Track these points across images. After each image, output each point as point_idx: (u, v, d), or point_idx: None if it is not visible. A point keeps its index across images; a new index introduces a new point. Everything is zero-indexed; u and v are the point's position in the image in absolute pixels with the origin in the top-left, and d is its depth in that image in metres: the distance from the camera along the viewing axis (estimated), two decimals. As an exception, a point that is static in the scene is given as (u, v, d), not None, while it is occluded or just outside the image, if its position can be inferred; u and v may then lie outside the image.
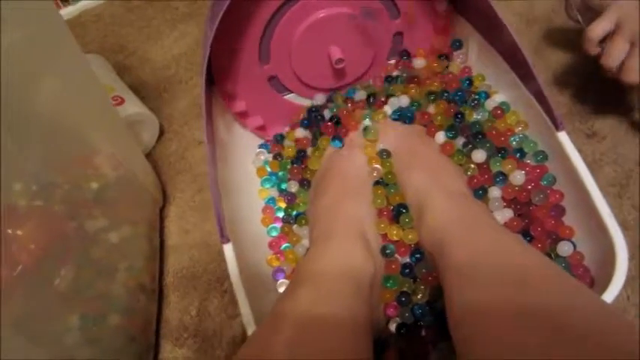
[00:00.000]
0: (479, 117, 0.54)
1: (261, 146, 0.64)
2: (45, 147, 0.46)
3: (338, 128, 0.57)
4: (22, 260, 0.40)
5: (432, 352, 0.45)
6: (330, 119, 0.58)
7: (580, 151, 0.46)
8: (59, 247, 0.46)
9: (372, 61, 0.62)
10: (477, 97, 0.55)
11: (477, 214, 0.44)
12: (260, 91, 0.60)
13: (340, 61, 0.57)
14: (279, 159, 0.61)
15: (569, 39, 0.76)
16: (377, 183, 0.52)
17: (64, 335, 0.44)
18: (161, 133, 0.81)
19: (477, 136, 0.52)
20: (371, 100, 0.59)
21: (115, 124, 0.62)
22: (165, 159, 0.78)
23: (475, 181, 0.50)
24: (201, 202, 0.71)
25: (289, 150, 0.60)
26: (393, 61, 0.64)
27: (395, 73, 0.62)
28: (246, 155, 0.63)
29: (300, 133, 0.61)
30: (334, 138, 0.57)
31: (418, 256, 0.48)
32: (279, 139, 0.63)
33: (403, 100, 0.57)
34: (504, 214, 0.48)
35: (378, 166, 0.53)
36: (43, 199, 0.45)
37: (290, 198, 0.57)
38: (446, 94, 0.56)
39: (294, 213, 0.56)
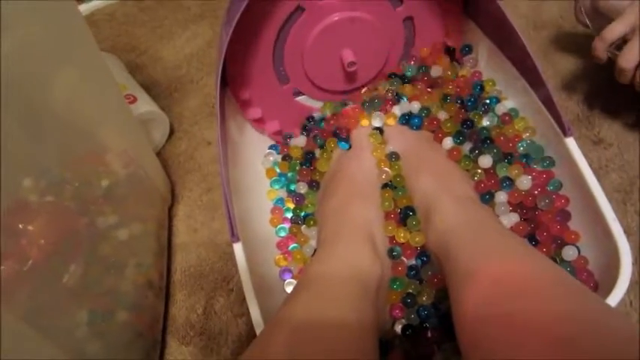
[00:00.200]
0: (488, 122, 0.55)
1: (270, 147, 0.65)
2: (58, 142, 0.47)
3: (340, 131, 0.58)
4: (32, 255, 0.40)
5: (437, 353, 0.45)
6: (334, 134, 0.59)
7: (586, 157, 0.47)
8: (69, 243, 0.46)
9: (384, 64, 0.62)
10: (487, 102, 0.56)
11: (483, 218, 0.45)
12: (274, 96, 0.61)
13: (352, 64, 0.57)
14: (289, 160, 0.61)
15: (577, 44, 0.76)
16: (385, 186, 0.53)
17: (73, 330, 0.44)
18: (171, 132, 0.81)
19: (485, 141, 0.52)
20: (376, 101, 0.59)
21: (128, 121, 0.63)
22: (175, 158, 0.78)
23: (482, 185, 0.50)
24: (210, 201, 0.72)
25: (296, 151, 0.61)
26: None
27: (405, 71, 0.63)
28: (257, 156, 0.63)
29: (301, 140, 0.62)
30: (340, 140, 0.58)
31: (424, 258, 0.49)
32: (289, 138, 0.64)
33: (414, 106, 0.57)
34: (510, 219, 0.49)
35: (387, 168, 0.53)
36: (54, 194, 0.46)
37: (298, 199, 0.58)
38: (459, 100, 0.56)
39: (303, 214, 0.57)
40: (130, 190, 0.61)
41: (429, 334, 0.46)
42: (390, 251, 0.48)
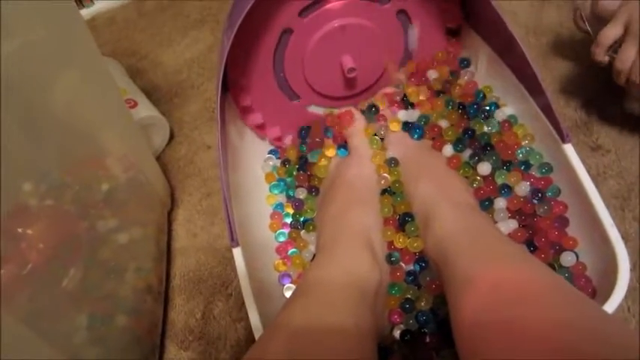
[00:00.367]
0: (488, 128, 0.55)
1: (270, 152, 0.65)
2: (58, 146, 0.47)
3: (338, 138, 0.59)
4: (31, 259, 0.41)
5: (436, 359, 0.45)
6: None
7: (584, 163, 0.47)
8: (68, 247, 0.46)
9: (384, 70, 0.62)
10: (487, 108, 0.56)
11: (482, 225, 0.45)
12: (274, 102, 0.61)
13: (352, 70, 0.58)
14: (287, 165, 0.62)
15: (576, 51, 0.76)
16: (384, 192, 0.53)
17: (73, 334, 0.44)
18: (171, 136, 0.82)
19: (484, 148, 0.53)
20: (373, 110, 0.59)
21: (128, 126, 0.63)
22: (175, 162, 0.79)
23: (481, 192, 0.50)
24: (209, 206, 0.72)
25: (292, 152, 0.62)
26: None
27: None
28: (256, 161, 0.64)
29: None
30: (339, 147, 0.58)
31: (423, 264, 0.49)
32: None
33: (414, 114, 0.57)
34: (509, 225, 0.49)
35: (386, 174, 0.54)
36: (54, 198, 0.46)
37: (298, 204, 0.58)
38: (461, 106, 0.56)
39: (302, 219, 0.57)
40: (129, 195, 0.61)
41: (428, 340, 0.46)
42: (389, 257, 0.49)
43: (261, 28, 0.54)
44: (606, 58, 0.58)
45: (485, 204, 0.50)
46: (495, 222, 0.50)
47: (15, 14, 0.40)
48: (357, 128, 0.58)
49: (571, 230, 0.48)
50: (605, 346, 0.28)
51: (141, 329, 0.56)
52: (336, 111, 0.62)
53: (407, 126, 0.57)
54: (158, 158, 0.79)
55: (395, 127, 0.57)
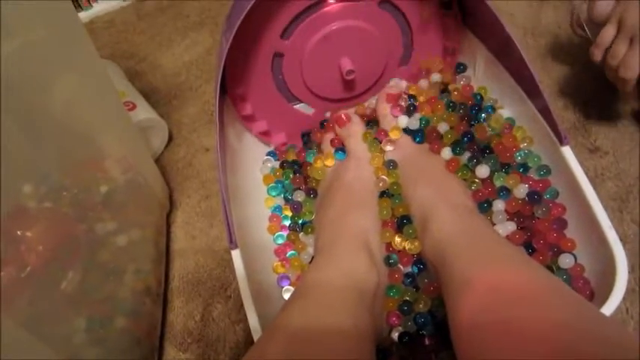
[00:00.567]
0: (489, 130, 0.55)
1: (268, 154, 0.65)
2: (57, 148, 0.47)
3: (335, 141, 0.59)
4: (30, 261, 0.41)
5: (434, 360, 0.45)
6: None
7: (582, 165, 0.47)
8: (67, 250, 0.46)
9: (382, 72, 0.63)
10: (486, 111, 0.56)
11: (480, 227, 0.45)
12: (270, 100, 0.61)
13: (351, 72, 0.58)
14: (285, 167, 0.62)
15: (573, 53, 0.76)
16: (382, 194, 0.53)
17: (71, 336, 0.44)
18: (170, 139, 0.82)
19: (484, 151, 0.53)
20: (370, 124, 0.60)
21: (127, 128, 0.63)
22: (174, 165, 0.79)
23: (480, 194, 0.50)
24: (208, 208, 0.72)
25: (290, 155, 0.62)
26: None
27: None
28: (255, 163, 0.64)
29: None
30: (337, 150, 0.58)
31: (421, 266, 0.49)
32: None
33: (416, 121, 0.57)
34: (507, 227, 0.49)
35: (384, 177, 0.54)
36: (53, 201, 0.46)
37: (296, 207, 0.58)
38: (461, 107, 0.56)
39: (301, 221, 0.57)
40: (128, 197, 0.61)
41: (426, 342, 0.46)
42: (387, 259, 0.49)
43: (260, 30, 0.54)
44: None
45: (484, 206, 0.50)
46: (494, 224, 0.50)
47: (13, 16, 0.40)
48: (355, 131, 0.58)
49: (569, 232, 0.48)
50: (603, 346, 0.29)
51: (140, 331, 0.56)
52: (328, 114, 0.63)
53: (408, 130, 0.57)
54: (157, 160, 0.79)
55: (395, 134, 0.57)
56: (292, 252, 0.56)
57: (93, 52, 0.54)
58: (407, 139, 0.57)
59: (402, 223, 0.50)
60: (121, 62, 0.94)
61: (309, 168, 0.59)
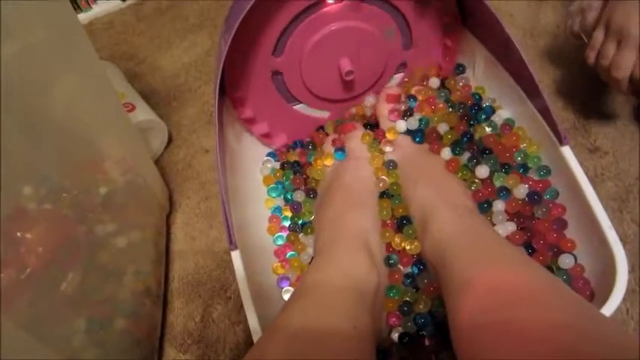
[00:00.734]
0: (489, 130, 0.55)
1: (268, 154, 0.65)
2: (57, 150, 0.47)
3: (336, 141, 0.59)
4: (30, 263, 0.41)
5: (434, 361, 0.45)
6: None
7: (582, 165, 0.47)
8: (67, 251, 0.46)
9: (381, 73, 0.63)
10: (485, 112, 0.56)
11: (480, 227, 0.45)
12: (270, 101, 0.61)
13: (350, 73, 0.58)
14: (285, 168, 0.62)
15: (573, 53, 0.76)
16: (382, 195, 0.53)
17: (71, 337, 0.44)
18: (169, 140, 0.82)
19: (483, 151, 0.53)
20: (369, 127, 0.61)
21: (126, 129, 0.63)
22: (173, 166, 0.79)
23: (480, 194, 0.50)
24: (208, 209, 0.72)
25: (291, 155, 0.62)
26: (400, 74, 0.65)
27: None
28: (255, 164, 0.64)
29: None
30: (337, 150, 0.58)
31: (421, 266, 0.49)
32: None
33: (414, 123, 0.58)
34: (507, 228, 0.49)
35: (384, 177, 0.54)
36: (53, 202, 0.46)
37: (296, 207, 0.58)
38: (461, 107, 0.56)
39: (300, 222, 0.57)
40: (128, 198, 0.61)
41: (426, 343, 0.46)
42: (387, 259, 0.49)
43: (259, 31, 0.54)
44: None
45: (484, 206, 0.50)
46: (494, 224, 0.50)
47: (12, 17, 0.40)
48: (354, 132, 0.58)
49: (569, 232, 0.48)
50: (603, 347, 0.29)
51: (140, 332, 0.56)
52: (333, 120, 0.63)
53: (408, 131, 0.57)
54: (156, 162, 0.79)
55: (392, 136, 0.57)
56: (292, 253, 0.56)
57: (92, 53, 0.54)
58: (406, 140, 0.57)
59: (402, 223, 0.50)
60: (121, 64, 0.94)
61: (309, 168, 0.59)
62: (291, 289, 0.53)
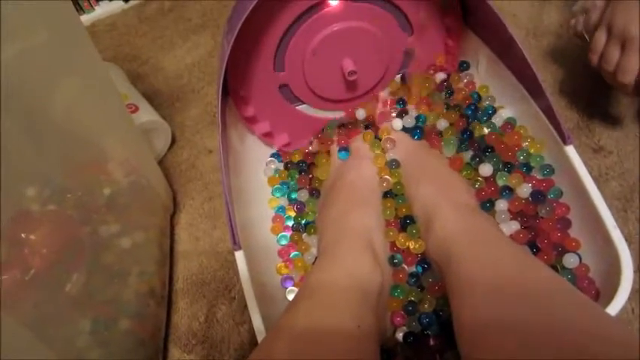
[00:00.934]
0: (488, 130, 0.55)
1: (272, 155, 0.65)
2: (60, 151, 0.47)
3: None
4: (34, 264, 0.41)
5: (439, 361, 0.45)
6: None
7: (586, 165, 0.47)
8: (71, 252, 0.46)
9: (384, 73, 0.63)
10: (486, 111, 0.56)
11: (484, 226, 0.45)
12: (272, 101, 0.61)
13: (353, 73, 0.58)
14: (290, 168, 0.62)
15: (576, 53, 0.76)
16: (386, 194, 0.53)
17: (76, 338, 0.45)
18: (173, 141, 0.82)
19: (485, 150, 0.53)
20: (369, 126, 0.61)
21: (130, 130, 0.63)
22: (177, 167, 0.79)
23: (483, 193, 0.50)
24: (211, 210, 0.72)
25: (296, 156, 0.62)
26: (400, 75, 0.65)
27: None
28: (258, 164, 0.64)
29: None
30: (341, 149, 0.58)
31: (425, 265, 0.49)
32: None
33: (411, 120, 0.58)
34: (511, 227, 0.49)
35: (387, 177, 0.54)
36: (57, 203, 0.46)
37: (299, 207, 0.58)
38: (457, 107, 0.57)
39: (304, 222, 0.57)
40: (132, 199, 0.61)
41: (431, 342, 0.46)
42: (391, 259, 0.49)
43: (261, 31, 0.54)
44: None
45: (487, 206, 0.50)
46: (497, 223, 0.49)
47: (14, 19, 0.40)
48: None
49: (573, 232, 0.48)
50: (609, 346, 0.29)
51: (144, 333, 0.56)
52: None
53: (406, 127, 0.57)
54: (160, 163, 0.79)
55: (387, 133, 0.57)
56: (296, 253, 0.56)
57: (95, 55, 0.54)
58: (406, 137, 0.57)
59: (406, 223, 0.50)
60: (123, 65, 0.94)
61: (314, 168, 0.59)
62: (295, 289, 0.53)
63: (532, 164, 0.52)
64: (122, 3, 1.13)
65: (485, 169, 0.51)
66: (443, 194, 0.49)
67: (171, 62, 0.97)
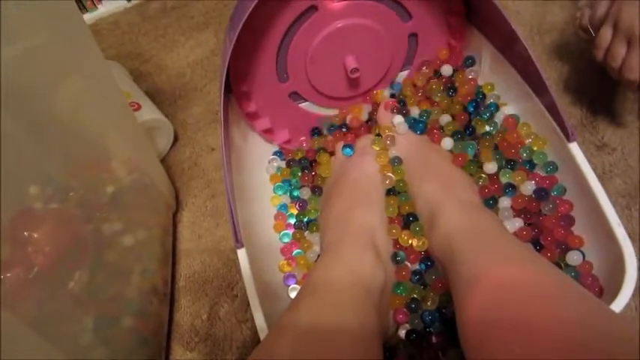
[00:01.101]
0: (490, 128, 0.55)
1: (274, 153, 0.65)
2: (63, 150, 0.47)
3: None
4: (37, 262, 0.41)
5: (442, 358, 0.45)
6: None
7: (590, 162, 0.47)
8: (74, 250, 0.47)
9: (387, 70, 0.62)
10: (489, 108, 0.56)
11: (487, 222, 0.44)
12: (274, 97, 0.61)
13: (355, 70, 0.58)
14: (292, 165, 0.62)
15: (581, 49, 0.76)
16: (388, 192, 0.53)
17: (79, 336, 0.45)
18: (175, 139, 0.82)
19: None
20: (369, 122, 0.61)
21: (132, 129, 0.63)
22: (179, 165, 0.79)
23: (486, 190, 0.50)
24: (214, 208, 0.72)
25: (299, 154, 0.62)
26: (406, 72, 0.65)
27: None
28: (260, 162, 0.64)
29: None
30: (345, 146, 0.58)
31: (428, 263, 0.49)
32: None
33: (413, 111, 0.58)
34: (514, 224, 0.49)
35: (390, 174, 0.53)
36: (60, 202, 0.46)
37: (302, 205, 0.58)
38: (459, 103, 0.56)
39: (306, 219, 0.57)
40: (134, 197, 0.61)
41: (434, 340, 0.46)
42: (394, 256, 0.49)
43: (263, 29, 0.54)
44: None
45: (490, 203, 0.50)
46: (501, 221, 0.49)
47: (17, 18, 0.40)
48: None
49: (577, 229, 0.48)
50: (612, 342, 0.28)
51: (147, 331, 0.56)
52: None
53: (409, 122, 0.57)
54: (162, 161, 0.79)
55: (388, 131, 0.57)
56: (298, 251, 0.56)
57: (98, 53, 0.54)
58: (409, 133, 0.57)
59: (409, 220, 0.50)
60: (126, 63, 0.94)
61: (317, 166, 0.59)
62: (298, 287, 0.53)
63: (535, 161, 0.51)
64: (125, 2, 1.13)
65: (490, 166, 0.51)
66: (446, 191, 0.49)
67: (173, 60, 0.97)
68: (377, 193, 0.53)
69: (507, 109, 0.56)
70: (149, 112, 0.77)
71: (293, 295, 0.53)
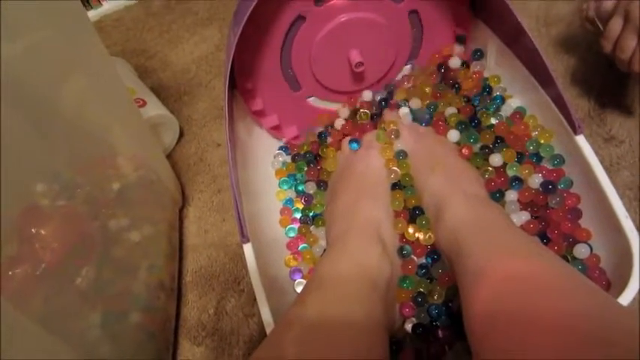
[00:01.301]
0: (496, 121, 0.55)
1: (280, 148, 0.65)
2: (69, 147, 0.48)
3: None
4: (45, 259, 0.41)
5: (448, 352, 0.45)
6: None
7: (597, 154, 0.46)
8: (82, 246, 0.47)
9: (392, 64, 0.62)
10: (495, 101, 0.56)
11: (494, 215, 0.44)
12: (280, 93, 0.61)
13: (360, 64, 0.57)
14: (297, 160, 0.62)
15: (587, 41, 0.75)
16: (394, 186, 0.53)
17: (87, 332, 0.45)
18: (181, 134, 0.82)
19: (495, 140, 0.52)
20: (375, 118, 0.60)
21: (138, 125, 0.64)
22: (185, 160, 0.79)
23: (493, 184, 0.50)
24: (220, 203, 0.72)
25: (304, 147, 0.62)
26: (409, 66, 0.65)
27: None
28: (266, 157, 0.64)
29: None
30: (352, 140, 0.58)
31: (435, 256, 0.49)
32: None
33: (415, 103, 0.57)
34: (521, 217, 0.48)
35: (396, 168, 0.53)
36: (66, 198, 0.46)
37: (307, 199, 0.58)
38: (465, 97, 0.56)
39: (312, 214, 0.57)
40: (141, 193, 0.61)
41: (440, 334, 0.45)
42: (400, 250, 0.48)
43: (268, 23, 0.54)
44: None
45: (496, 196, 0.49)
46: (508, 214, 0.49)
47: (22, 16, 0.40)
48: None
49: (584, 222, 0.48)
50: (619, 335, 0.28)
51: (154, 326, 0.56)
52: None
53: (414, 114, 0.57)
54: (168, 156, 0.79)
55: (393, 125, 0.57)
56: (304, 245, 0.56)
57: (102, 50, 0.54)
58: (414, 126, 0.56)
59: (415, 214, 0.50)
60: (131, 59, 0.95)
61: (324, 161, 0.59)
62: (304, 281, 0.54)
63: (542, 154, 0.51)
64: (129, -2, 1.13)
65: (496, 159, 0.51)
66: (452, 184, 0.48)
67: (178, 56, 0.97)
68: (383, 186, 0.53)
69: (514, 102, 0.56)
70: (154, 109, 0.77)
71: (299, 289, 0.53)
